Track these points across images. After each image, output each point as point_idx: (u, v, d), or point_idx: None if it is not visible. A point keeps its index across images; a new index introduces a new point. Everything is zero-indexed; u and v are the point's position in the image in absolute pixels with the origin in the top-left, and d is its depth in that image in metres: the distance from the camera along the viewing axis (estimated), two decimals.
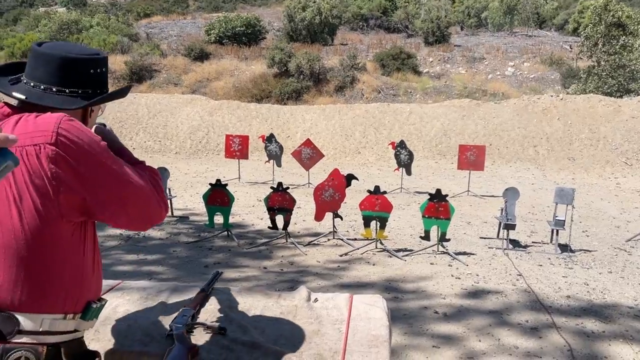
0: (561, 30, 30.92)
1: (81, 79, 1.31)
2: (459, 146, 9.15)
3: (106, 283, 2.16)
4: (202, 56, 21.53)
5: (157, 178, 1.39)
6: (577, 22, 27.27)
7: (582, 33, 19.85)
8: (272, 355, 1.59)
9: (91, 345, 1.63)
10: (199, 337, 1.68)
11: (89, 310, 1.29)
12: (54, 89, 1.28)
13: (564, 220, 5.57)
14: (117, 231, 6.04)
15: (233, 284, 4.27)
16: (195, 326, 1.67)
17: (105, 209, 1.24)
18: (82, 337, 1.34)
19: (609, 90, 17.40)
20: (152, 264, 4.95)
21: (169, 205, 1.36)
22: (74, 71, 1.29)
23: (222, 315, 1.87)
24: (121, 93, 1.44)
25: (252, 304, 1.96)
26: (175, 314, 1.70)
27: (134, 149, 13.77)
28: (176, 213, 6.88)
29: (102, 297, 1.45)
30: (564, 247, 5.66)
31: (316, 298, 2.01)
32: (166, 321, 1.76)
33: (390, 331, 1.85)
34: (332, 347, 1.65)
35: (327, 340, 1.69)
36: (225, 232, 5.87)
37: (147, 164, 1.45)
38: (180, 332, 1.60)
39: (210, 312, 1.89)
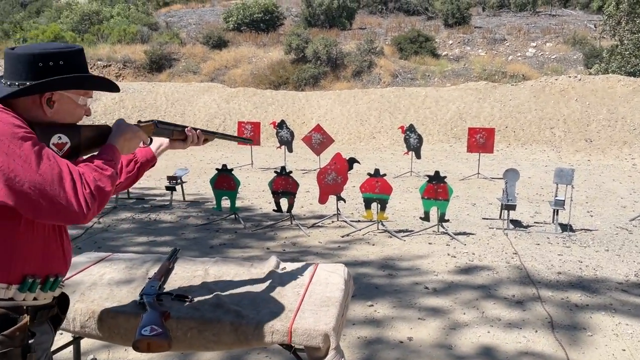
0: (586, 9, 30.14)
1: (26, 72, 1.41)
2: (469, 129, 9.19)
3: (97, 255, 2.39)
4: (220, 44, 21.74)
5: (88, 179, 1.36)
6: None
7: (604, 11, 19.43)
8: (233, 312, 1.79)
9: (76, 306, 1.84)
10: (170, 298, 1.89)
11: (24, 283, 1.41)
12: (1, 81, 1.45)
13: (564, 200, 5.63)
14: (128, 214, 6.34)
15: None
16: (162, 296, 1.86)
17: (9, 196, 1.28)
18: (22, 306, 1.42)
19: (632, 70, 17.03)
20: (161, 245, 5.20)
21: (90, 208, 1.39)
22: (19, 64, 1.42)
23: (196, 280, 2.07)
24: (61, 83, 1.44)
25: (225, 272, 2.16)
26: (143, 286, 1.91)
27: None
28: (187, 198, 7.16)
29: (59, 274, 1.54)
30: (565, 227, 5.73)
31: (284, 266, 2.20)
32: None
33: (347, 294, 2.03)
34: (288, 306, 1.84)
35: (285, 301, 1.88)
36: (233, 215, 6.09)
37: (103, 168, 1.44)
38: (151, 300, 1.80)
39: (187, 278, 2.10)
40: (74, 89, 1.49)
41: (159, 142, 1.89)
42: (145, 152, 1.87)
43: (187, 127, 1.88)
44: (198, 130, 1.90)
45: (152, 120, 1.76)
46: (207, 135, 1.94)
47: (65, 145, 1.47)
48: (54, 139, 1.45)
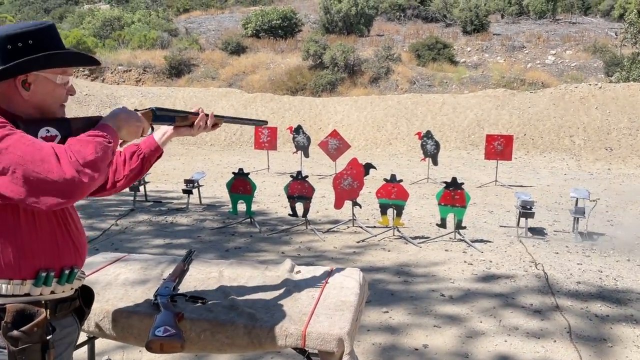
0: (607, 17, 29.79)
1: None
2: (486, 136, 9.11)
3: (113, 256, 2.40)
4: (238, 50, 21.91)
5: (74, 150, 1.31)
6: (623, 7, 26.22)
7: (626, 19, 19.18)
8: (246, 315, 1.77)
9: (92, 306, 1.84)
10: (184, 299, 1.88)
11: (38, 278, 1.40)
12: None
13: (584, 208, 5.54)
14: (145, 216, 6.38)
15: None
16: (177, 297, 1.86)
17: None
18: (40, 301, 1.42)
19: None
20: (177, 247, 5.22)
21: (87, 179, 1.27)
22: None
23: (210, 282, 2.07)
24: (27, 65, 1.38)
25: (239, 274, 2.15)
26: (158, 287, 1.91)
27: (171, 141, 14.26)
28: (204, 201, 7.19)
29: (76, 266, 1.52)
30: (585, 236, 5.63)
31: (299, 270, 2.19)
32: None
33: (362, 299, 2.01)
34: (302, 309, 1.82)
35: (299, 305, 1.86)
36: (249, 219, 6.10)
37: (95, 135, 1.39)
38: (165, 301, 1.80)
39: (201, 280, 2.10)
40: (47, 68, 1.42)
41: (162, 130, 1.81)
42: (148, 143, 1.79)
43: (191, 112, 1.79)
44: (211, 113, 1.82)
45: (150, 108, 1.69)
46: (216, 120, 1.86)
47: (55, 138, 1.42)
48: (42, 133, 1.40)
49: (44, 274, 1.41)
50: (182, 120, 1.79)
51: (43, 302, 1.42)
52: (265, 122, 2.26)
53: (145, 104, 15.36)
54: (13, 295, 1.37)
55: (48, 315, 1.41)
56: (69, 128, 1.46)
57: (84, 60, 1.53)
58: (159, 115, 1.71)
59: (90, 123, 1.52)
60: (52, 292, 1.45)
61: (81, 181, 1.28)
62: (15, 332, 1.33)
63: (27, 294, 1.39)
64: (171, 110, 1.77)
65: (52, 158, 1.26)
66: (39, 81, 1.42)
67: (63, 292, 1.48)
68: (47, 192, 1.26)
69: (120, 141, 1.58)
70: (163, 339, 1.56)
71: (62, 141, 1.42)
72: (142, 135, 1.68)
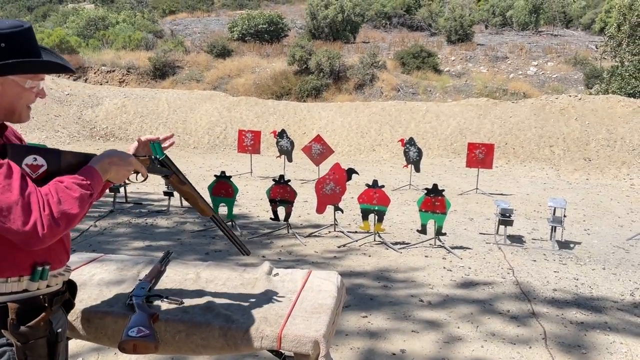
0: (588, 30, 30.37)
1: None
2: (468, 144, 9.20)
3: (88, 256, 2.37)
4: (224, 53, 21.86)
5: (51, 201, 1.29)
6: (603, 21, 26.78)
7: (606, 32, 19.58)
8: (222, 316, 1.77)
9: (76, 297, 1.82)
10: (159, 300, 1.87)
11: (35, 273, 1.41)
12: None
13: (562, 217, 5.62)
14: (125, 218, 6.32)
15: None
16: (152, 298, 1.84)
17: None
18: (39, 296, 1.44)
19: (632, 91, 17.10)
20: (156, 249, 5.17)
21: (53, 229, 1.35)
22: None
23: (187, 283, 2.05)
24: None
25: (217, 276, 2.14)
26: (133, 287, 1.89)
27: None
28: (185, 204, 7.14)
29: (68, 264, 1.58)
30: (562, 244, 5.71)
31: (277, 272, 2.18)
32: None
33: (339, 302, 2.01)
34: (278, 312, 1.82)
35: (276, 307, 1.86)
36: (230, 223, 6.07)
37: (71, 183, 1.36)
38: (140, 302, 1.78)
39: (178, 281, 2.08)
40: (15, 74, 1.39)
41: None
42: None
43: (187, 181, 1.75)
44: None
45: (150, 157, 1.64)
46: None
47: (41, 168, 1.39)
48: (28, 160, 1.37)
49: (40, 269, 1.42)
50: (178, 181, 1.75)
51: (41, 296, 1.45)
52: (248, 253, 2.03)
53: (128, 105, 15.22)
54: (12, 293, 1.38)
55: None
56: (58, 161, 1.43)
57: (55, 68, 1.49)
58: (156, 166, 1.68)
59: (85, 161, 1.48)
60: (48, 286, 1.47)
61: (44, 235, 1.26)
62: (22, 328, 1.37)
63: (25, 290, 1.41)
64: (172, 167, 1.72)
65: (18, 209, 1.24)
66: (7, 84, 1.39)
67: (57, 285, 1.51)
68: (10, 235, 1.26)
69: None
70: (136, 340, 1.55)
71: (48, 174, 1.39)
72: (134, 180, 1.68)
